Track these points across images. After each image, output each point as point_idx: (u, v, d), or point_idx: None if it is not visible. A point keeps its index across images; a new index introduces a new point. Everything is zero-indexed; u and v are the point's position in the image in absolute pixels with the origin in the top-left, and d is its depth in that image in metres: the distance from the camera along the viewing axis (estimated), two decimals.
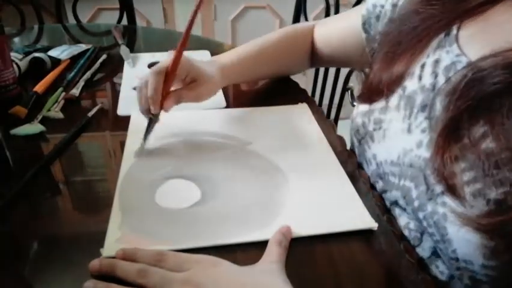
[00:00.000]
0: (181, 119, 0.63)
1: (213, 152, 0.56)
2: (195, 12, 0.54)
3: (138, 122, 0.62)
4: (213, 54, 0.90)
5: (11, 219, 0.46)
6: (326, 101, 1.13)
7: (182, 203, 0.47)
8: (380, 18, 0.56)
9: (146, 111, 0.55)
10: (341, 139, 0.61)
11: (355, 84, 0.99)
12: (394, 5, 0.53)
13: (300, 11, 1.14)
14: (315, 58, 0.73)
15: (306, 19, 1.13)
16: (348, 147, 0.60)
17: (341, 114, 1.10)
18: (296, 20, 1.16)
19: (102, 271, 0.37)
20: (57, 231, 0.45)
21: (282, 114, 0.66)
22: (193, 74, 0.57)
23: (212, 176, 0.51)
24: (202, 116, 0.65)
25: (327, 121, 0.65)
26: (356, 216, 0.45)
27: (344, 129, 0.70)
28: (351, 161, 0.55)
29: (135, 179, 0.50)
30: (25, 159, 0.55)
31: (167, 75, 0.54)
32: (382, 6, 0.56)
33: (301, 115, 0.66)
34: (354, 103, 0.94)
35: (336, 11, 1.03)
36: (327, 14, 1.05)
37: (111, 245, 0.41)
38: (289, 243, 0.41)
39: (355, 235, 0.43)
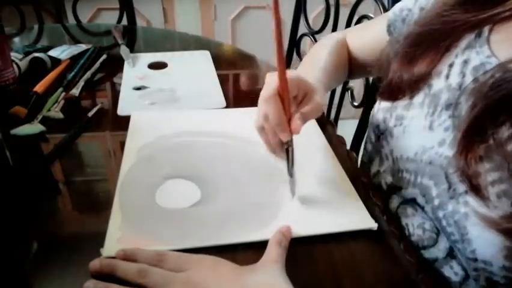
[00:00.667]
0: (181, 119, 0.63)
1: (213, 152, 0.56)
2: (277, 20, 0.43)
3: (138, 121, 0.62)
4: (212, 54, 0.90)
5: (11, 219, 0.46)
6: (325, 101, 1.13)
7: (182, 203, 0.47)
8: (406, 21, 0.57)
9: (279, 145, 0.48)
10: (341, 139, 0.61)
11: (355, 84, 0.99)
12: (422, 9, 0.53)
13: (300, 11, 1.14)
14: (351, 68, 0.72)
15: (306, 19, 1.12)
16: (348, 147, 0.60)
17: (341, 114, 1.10)
18: (296, 20, 1.16)
19: (102, 271, 0.37)
20: (58, 231, 0.45)
21: None
22: (303, 88, 0.49)
23: (212, 176, 0.51)
24: (202, 116, 0.65)
25: (327, 121, 0.65)
26: (356, 216, 0.45)
27: (344, 129, 0.70)
28: (351, 161, 0.55)
29: (135, 179, 0.50)
30: (25, 159, 0.55)
31: (282, 97, 0.45)
32: (409, 10, 0.56)
33: None
34: (355, 103, 0.94)
35: (336, 11, 1.03)
36: (327, 14, 1.05)
37: (111, 245, 0.40)
38: (289, 243, 0.41)
39: (355, 235, 0.43)
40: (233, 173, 0.52)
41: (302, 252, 0.41)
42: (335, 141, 0.59)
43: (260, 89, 0.45)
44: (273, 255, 0.39)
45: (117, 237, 0.41)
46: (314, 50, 0.68)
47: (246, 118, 0.64)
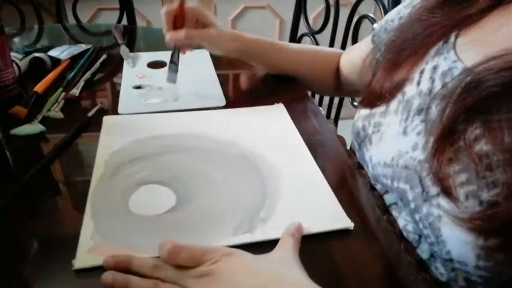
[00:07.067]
0: (153, 122, 0.62)
1: (188, 155, 0.55)
2: None
3: (110, 126, 0.61)
4: (212, 53, 0.90)
5: (11, 219, 0.46)
6: (325, 101, 1.13)
7: (157, 209, 0.46)
8: (387, 30, 0.58)
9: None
10: (341, 139, 0.61)
11: None
12: (401, 18, 0.55)
13: (300, 11, 1.14)
14: (341, 85, 0.75)
15: (306, 19, 1.12)
16: (348, 147, 0.60)
17: (341, 114, 1.10)
18: (296, 20, 1.16)
19: (117, 267, 0.37)
20: (58, 231, 0.45)
21: (259, 115, 0.65)
22: (203, 20, 0.66)
23: (187, 180, 0.50)
24: (174, 119, 0.63)
25: (327, 121, 0.65)
26: (332, 216, 0.45)
27: (344, 129, 0.70)
28: (351, 161, 0.55)
29: (107, 186, 0.49)
30: (25, 159, 0.55)
31: (176, 14, 0.65)
32: (392, 21, 0.58)
33: (278, 116, 0.65)
34: (355, 103, 0.94)
35: (336, 11, 1.03)
36: (327, 14, 1.05)
37: (83, 256, 0.39)
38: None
39: (355, 235, 0.43)
40: (209, 176, 0.51)
41: (302, 252, 0.41)
42: (335, 141, 0.59)
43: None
44: (287, 244, 0.39)
45: (88, 248, 0.40)
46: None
47: (223, 119, 0.63)
